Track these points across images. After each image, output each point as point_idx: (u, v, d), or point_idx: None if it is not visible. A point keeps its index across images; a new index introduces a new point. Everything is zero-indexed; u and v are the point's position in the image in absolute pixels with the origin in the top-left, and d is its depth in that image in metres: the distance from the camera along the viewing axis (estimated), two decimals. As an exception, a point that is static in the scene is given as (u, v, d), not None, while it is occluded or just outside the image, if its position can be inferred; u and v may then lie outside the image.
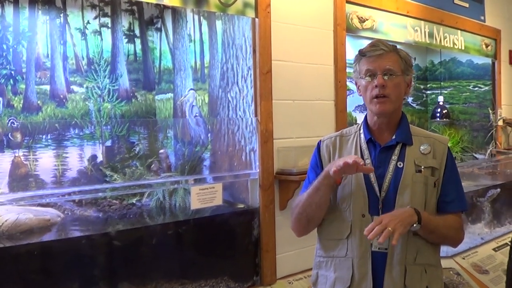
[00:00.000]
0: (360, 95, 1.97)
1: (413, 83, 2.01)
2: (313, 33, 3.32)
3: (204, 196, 2.79)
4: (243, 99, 3.10)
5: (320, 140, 2.08)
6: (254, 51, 2.99)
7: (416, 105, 5.32)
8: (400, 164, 1.89)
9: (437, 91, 5.41)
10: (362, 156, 1.93)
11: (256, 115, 3.00)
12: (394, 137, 1.93)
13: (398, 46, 1.97)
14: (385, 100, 1.87)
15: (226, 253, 3.01)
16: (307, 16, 3.29)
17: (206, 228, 2.96)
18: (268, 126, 3.02)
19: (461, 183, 1.99)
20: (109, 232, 2.62)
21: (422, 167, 1.89)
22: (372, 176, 1.88)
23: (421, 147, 1.93)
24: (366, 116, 2.01)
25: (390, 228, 1.66)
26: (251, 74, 3.02)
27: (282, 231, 3.09)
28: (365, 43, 3.93)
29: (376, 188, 1.87)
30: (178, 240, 2.84)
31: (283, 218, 3.10)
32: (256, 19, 2.97)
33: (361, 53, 1.92)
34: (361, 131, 2.00)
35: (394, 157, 1.90)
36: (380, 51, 1.88)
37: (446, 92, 5.36)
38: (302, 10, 3.26)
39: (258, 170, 3.01)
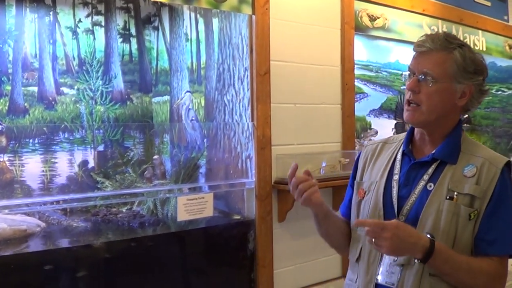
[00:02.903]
0: None
1: (481, 94, 1.61)
2: (317, 31, 3.09)
3: (193, 207, 2.59)
4: (239, 103, 2.89)
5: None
6: (251, 50, 2.78)
7: (436, 109, 5.04)
8: (430, 186, 1.54)
9: (458, 95, 5.11)
10: (391, 170, 1.64)
11: (252, 120, 2.79)
12: (433, 152, 1.58)
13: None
14: (415, 109, 1.54)
15: (219, 267, 2.81)
16: (311, 13, 3.05)
17: (199, 240, 2.77)
18: (266, 132, 2.80)
19: None
20: (92, 244, 2.43)
21: (456, 193, 1.51)
22: (395, 195, 1.57)
23: (465, 168, 1.54)
24: None
25: (374, 245, 1.41)
26: (247, 76, 2.81)
27: (280, 244, 2.87)
28: (379, 43, 3.78)
29: (395, 211, 1.56)
30: (169, 253, 2.64)
31: (282, 230, 2.88)
32: (253, 16, 2.75)
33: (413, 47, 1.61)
34: None
35: (426, 177, 1.56)
36: (423, 48, 1.54)
37: (467, 96, 5.06)
38: (305, 7, 3.02)
39: (254, 179, 2.79)
